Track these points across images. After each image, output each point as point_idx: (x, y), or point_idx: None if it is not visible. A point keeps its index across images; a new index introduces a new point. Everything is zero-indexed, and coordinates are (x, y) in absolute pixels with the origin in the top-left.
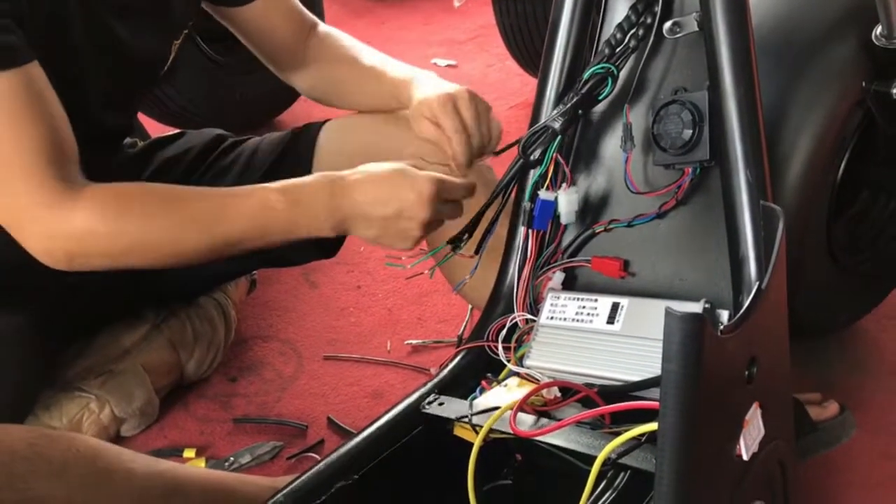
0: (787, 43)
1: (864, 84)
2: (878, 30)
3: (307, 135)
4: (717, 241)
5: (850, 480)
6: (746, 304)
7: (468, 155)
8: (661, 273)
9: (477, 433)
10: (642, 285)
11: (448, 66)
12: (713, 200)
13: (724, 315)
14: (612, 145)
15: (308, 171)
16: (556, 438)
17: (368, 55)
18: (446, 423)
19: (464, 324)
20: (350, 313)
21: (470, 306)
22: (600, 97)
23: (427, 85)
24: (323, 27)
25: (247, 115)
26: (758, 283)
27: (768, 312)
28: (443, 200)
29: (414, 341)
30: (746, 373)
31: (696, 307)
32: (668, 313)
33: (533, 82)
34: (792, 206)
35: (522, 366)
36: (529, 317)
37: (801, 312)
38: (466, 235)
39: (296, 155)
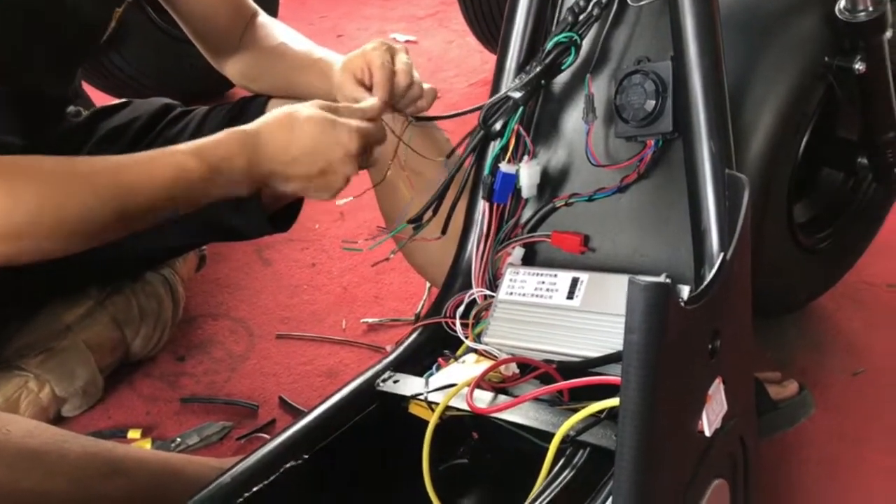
0: (751, 14)
1: (826, 59)
2: (842, 3)
3: (256, 103)
4: (678, 216)
5: (807, 458)
6: (710, 275)
7: (390, 89)
8: (622, 248)
9: (433, 411)
10: (603, 260)
11: (407, 41)
12: (675, 174)
13: (685, 291)
14: (573, 117)
15: None
16: (513, 415)
17: (301, 42)
18: (401, 401)
19: (421, 302)
20: (304, 291)
21: (428, 284)
22: (563, 67)
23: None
24: (262, 17)
25: (197, 85)
26: (722, 254)
27: (732, 284)
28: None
29: (370, 320)
30: (710, 346)
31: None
32: (632, 282)
33: (493, 59)
34: (753, 182)
35: (480, 342)
36: (488, 293)
37: (761, 291)
38: (431, 214)
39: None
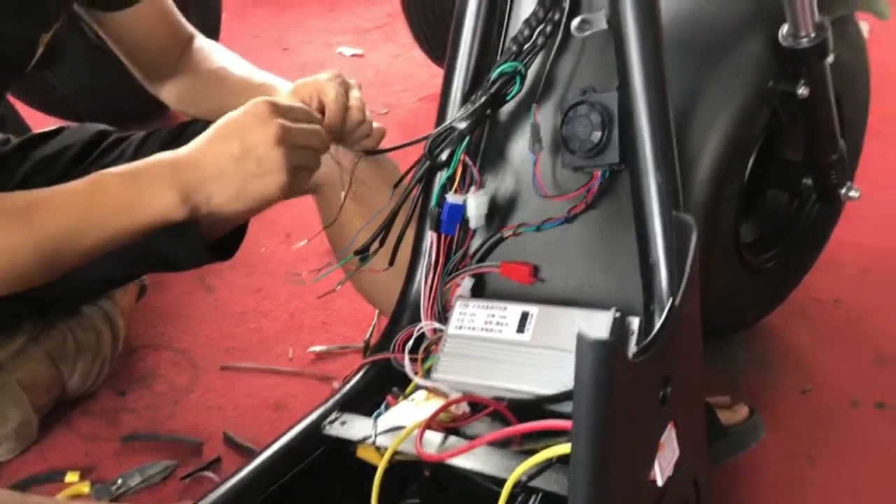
0: (695, 39)
1: (770, 84)
2: (784, 29)
3: (196, 128)
4: (626, 247)
5: (759, 482)
6: (659, 323)
7: (342, 120)
8: (572, 278)
9: (381, 455)
10: (552, 291)
11: (354, 55)
12: (623, 204)
13: (635, 323)
14: (519, 146)
15: None
16: (464, 461)
17: (241, 65)
18: (349, 445)
19: (370, 328)
20: (249, 318)
21: (377, 310)
22: (508, 97)
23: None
24: (199, 40)
25: (137, 104)
26: (671, 299)
27: (682, 329)
28: (292, 138)
29: (318, 348)
30: (661, 394)
31: (606, 316)
32: (580, 337)
33: (441, 74)
34: (700, 207)
35: (429, 378)
36: (438, 326)
37: (710, 313)
38: (377, 245)
39: None
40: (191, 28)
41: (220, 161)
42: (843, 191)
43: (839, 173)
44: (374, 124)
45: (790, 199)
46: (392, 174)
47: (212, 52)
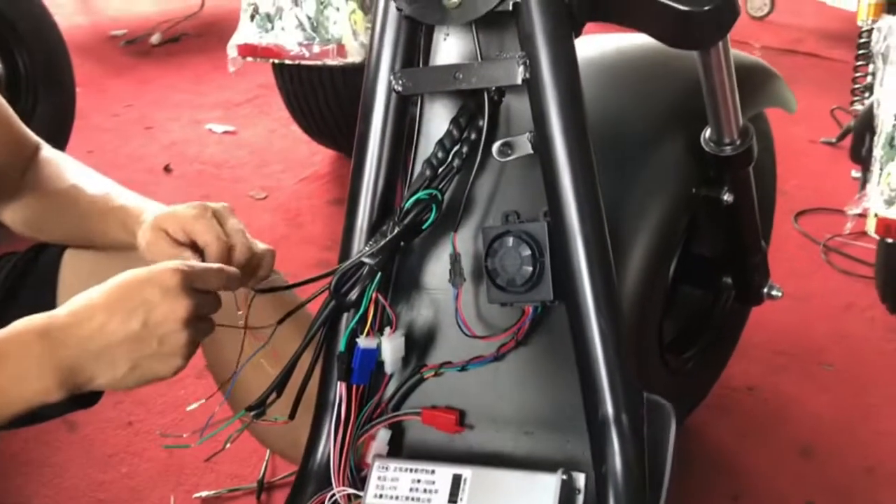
0: (614, 150)
1: (693, 190)
2: (707, 134)
3: (49, 254)
4: (565, 386)
5: None
6: None
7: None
8: (504, 425)
9: None
10: (483, 441)
11: (226, 132)
12: (558, 338)
13: (581, 480)
14: (438, 274)
15: (52, 304)
16: None
17: (95, 183)
18: None
19: (264, 464)
20: (120, 461)
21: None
22: (424, 227)
23: (163, 210)
24: (46, 152)
25: None
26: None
27: None
28: (196, 291)
29: (204, 493)
30: None
31: (552, 480)
32: None
33: (323, 151)
34: (630, 317)
35: None
36: (353, 492)
37: None
38: (273, 396)
39: (37, 282)
40: (35, 138)
41: (112, 337)
42: (766, 290)
43: (761, 274)
44: (260, 246)
45: (703, 295)
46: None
47: (61, 166)
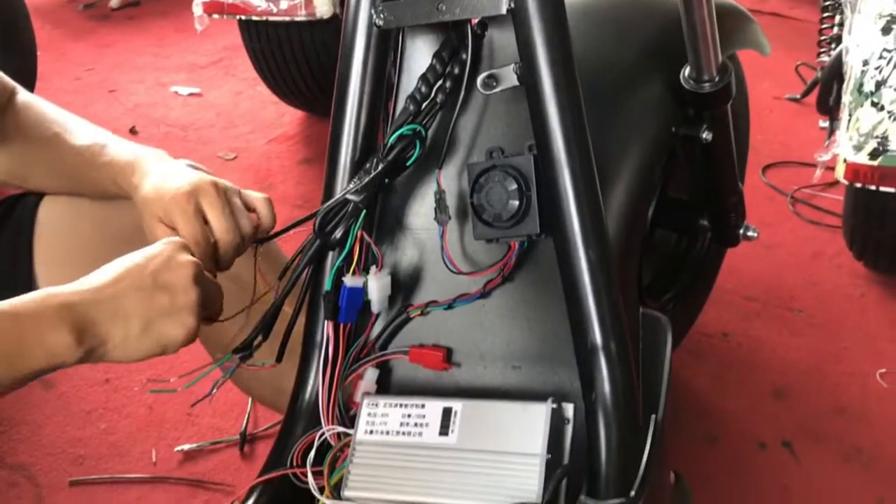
0: (594, 88)
1: (672, 128)
2: (686, 71)
3: (25, 204)
4: (551, 320)
5: None
6: (647, 449)
7: (218, 261)
8: (492, 361)
9: None
10: (471, 378)
11: (191, 94)
12: (544, 274)
13: (570, 410)
14: (422, 213)
15: (28, 253)
16: None
17: (81, 131)
18: None
19: (246, 416)
20: (99, 417)
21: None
22: (408, 163)
23: (155, 172)
24: (23, 96)
25: None
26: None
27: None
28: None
29: (185, 446)
30: None
31: (541, 409)
32: None
33: (291, 111)
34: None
35: (339, 497)
36: (343, 430)
37: None
38: (259, 338)
39: (12, 232)
40: (10, 81)
41: (125, 293)
42: (742, 231)
43: (737, 215)
44: (255, 195)
45: (680, 239)
46: (276, 255)
47: (41, 112)
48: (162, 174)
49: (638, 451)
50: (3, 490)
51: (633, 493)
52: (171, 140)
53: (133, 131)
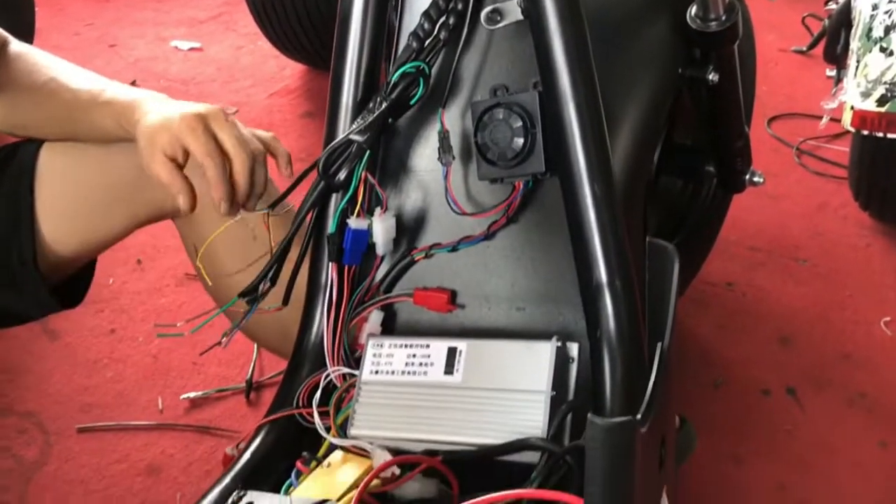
0: (600, 26)
1: (679, 70)
2: (693, 9)
3: (26, 150)
4: (555, 261)
5: (686, 487)
6: (653, 375)
7: (229, 190)
8: (496, 302)
9: None
10: (476, 319)
11: (192, 49)
12: (548, 214)
13: (575, 349)
14: (426, 155)
15: (29, 197)
16: None
17: (78, 76)
18: None
19: (251, 364)
20: (105, 366)
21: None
22: (412, 101)
23: (157, 110)
24: (15, 46)
25: None
26: (659, 345)
27: (671, 375)
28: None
29: (192, 394)
30: (659, 457)
31: (545, 347)
32: (592, 423)
33: (292, 65)
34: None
35: (346, 436)
36: (348, 371)
37: None
38: (268, 284)
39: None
40: (2, 32)
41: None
42: (748, 176)
43: (744, 159)
44: (261, 133)
45: (685, 186)
46: (289, 215)
47: (34, 60)
48: (166, 109)
49: (643, 380)
50: (13, 436)
51: (639, 415)
52: (172, 94)
53: (134, 85)
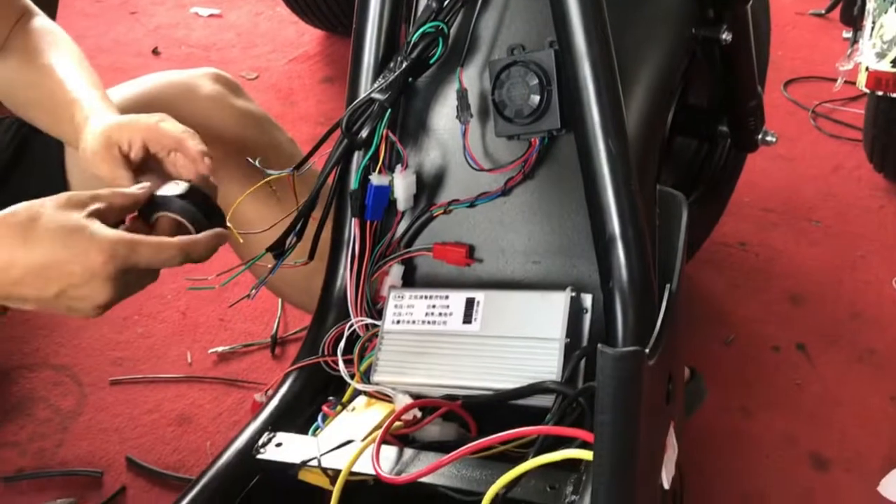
0: None
1: (693, 30)
2: None
3: (36, 143)
4: (570, 215)
5: (696, 437)
6: (661, 315)
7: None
8: (512, 256)
9: (328, 476)
10: (493, 272)
11: (211, 15)
12: (563, 170)
13: (588, 300)
14: (444, 114)
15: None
16: (433, 476)
17: (69, 69)
18: (288, 469)
19: (276, 321)
20: (135, 322)
21: (281, 300)
22: (431, 61)
23: (107, 116)
24: (39, 21)
25: None
26: (668, 286)
27: (677, 314)
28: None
29: (219, 349)
30: (666, 392)
31: (560, 297)
32: (602, 352)
33: (311, 31)
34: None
35: (369, 382)
36: (371, 321)
37: None
38: (294, 239)
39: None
40: (30, 4)
41: (24, 296)
42: (761, 136)
43: (757, 119)
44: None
45: (699, 146)
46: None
47: (47, 41)
48: (113, 116)
49: (653, 321)
50: (49, 388)
51: (647, 349)
52: (193, 60)
53: (156, 52)
